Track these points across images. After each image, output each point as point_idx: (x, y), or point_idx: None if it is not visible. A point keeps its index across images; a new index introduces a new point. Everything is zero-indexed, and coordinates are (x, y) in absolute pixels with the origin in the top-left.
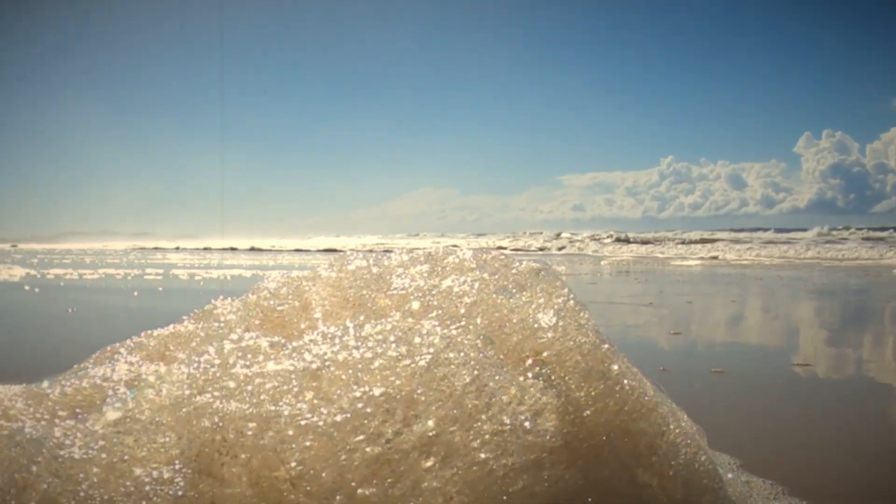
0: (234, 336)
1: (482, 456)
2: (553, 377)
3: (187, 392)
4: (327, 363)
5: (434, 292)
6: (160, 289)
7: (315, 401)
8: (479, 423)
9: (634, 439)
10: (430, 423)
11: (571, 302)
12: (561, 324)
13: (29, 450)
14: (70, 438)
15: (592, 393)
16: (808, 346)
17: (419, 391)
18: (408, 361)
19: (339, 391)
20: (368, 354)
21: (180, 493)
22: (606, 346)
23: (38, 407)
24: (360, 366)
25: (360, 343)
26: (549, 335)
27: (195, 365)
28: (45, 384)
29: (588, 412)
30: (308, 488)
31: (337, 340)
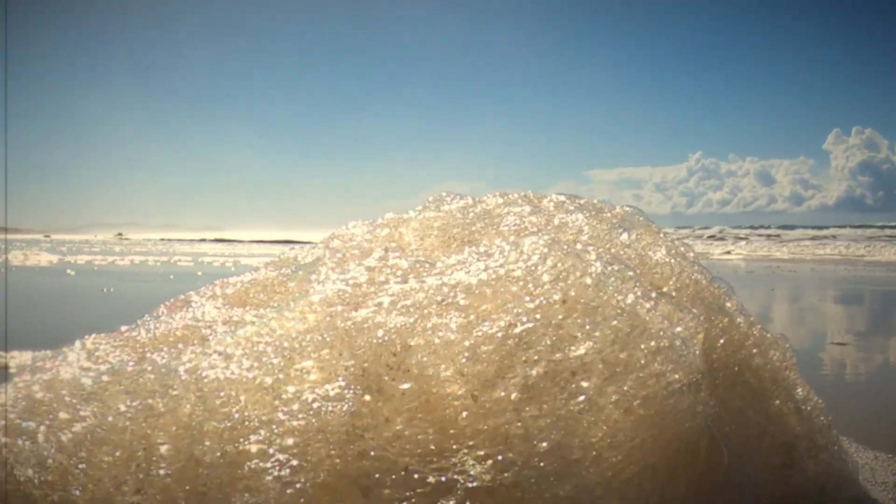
0: (376, 255)
1: (656, 367)
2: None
3: (340, 308)
4: (491, 277)
5: (549, 228)
6: (199, 273)
7: (486, 312)
8: (645, 341)
9: (759, 373)
10: (598, 334)
11: (675, 241)
12: (673, 261)
13: (161, 376)
14: (203, 363)
15: (719, 326)
16: None
17: (594, 302)
18: (578, 274)
19: (511, 302)
20: (539, 268)
21: (353, 408)
22: (717, 283)
23: (124, 348)
24: (529, 278)
25: (518, 259)
26: (666, 270)
27: (343, 282)
28: (124, 328)
29: (720, 342)
30: (486, 404)
31: (491, 260)
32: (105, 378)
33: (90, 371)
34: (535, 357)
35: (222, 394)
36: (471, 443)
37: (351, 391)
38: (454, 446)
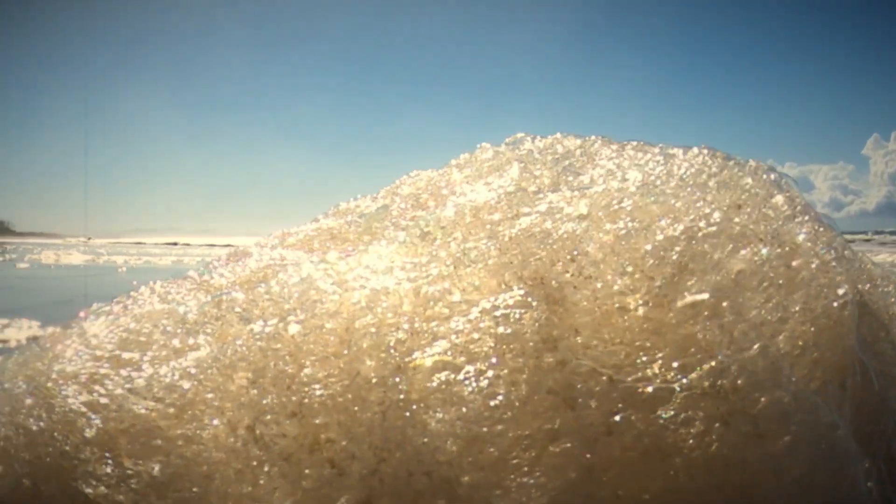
0: (514, 169)
1: (825, 280)
2: None
3: (498, 216)
4: (655, 183)
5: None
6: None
7: (654, 217)
8: (808, 256)
9: (884, 305)
10: (774, 242)
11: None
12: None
13: (286, 297)
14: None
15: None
16: None
17: (765, 209)
18: (746, 181)
19: (686, 207)
20: (704, 175)
21: (543, 316)
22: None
23: (199, 291)
24: (696, 184)
25: (681, 165)
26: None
27: (490, 190)
28: (192, 273)
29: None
30: (673, 311)
31: (648, 168)
32: (211, 308)
33: (182, 305)
34: (719, 261)
35: (384, 303)
36: (662, 352)
37: (533, 299)
38: (647, 356)
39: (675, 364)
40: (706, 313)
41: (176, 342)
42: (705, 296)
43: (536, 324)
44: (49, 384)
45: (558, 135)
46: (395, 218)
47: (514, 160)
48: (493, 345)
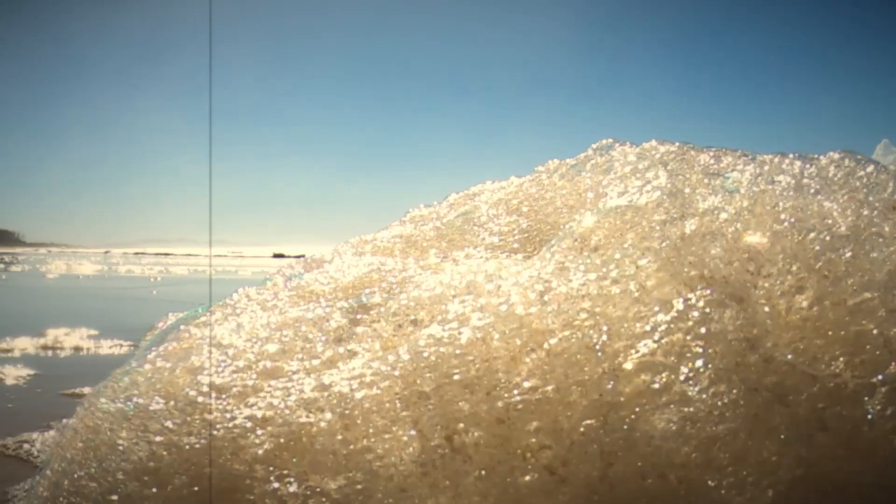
0: (663, 172)
1: None
2: None
3: (662, 218)
4: (813, 182)
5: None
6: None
7: (816, 215)
8: None
9: None
10: None
11: None
12: None
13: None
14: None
15: None
16: None
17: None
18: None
19: (849, 205)
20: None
21: (741, 316)
22: None
23: (299, 298)
24: (848, 183)
25: (828, 165)
26: None
27: (654, 192)
28: (278, 279)
29: None
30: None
31: (796, 169)
32: (355, 314)
33: (308, 312)
34: (881, 259)
35: (569, 305)
36: (842, 348)
37: (725, 297)
38: (830, 353)
39: (857, 360)
40: (880, 312)
41: (323, 349)
42: (875, 294)
43: (736, 322)
44: (200, 399)
45: (653, 142)
46: (483, 223)
47: (658, 164)
48: (700, 344)
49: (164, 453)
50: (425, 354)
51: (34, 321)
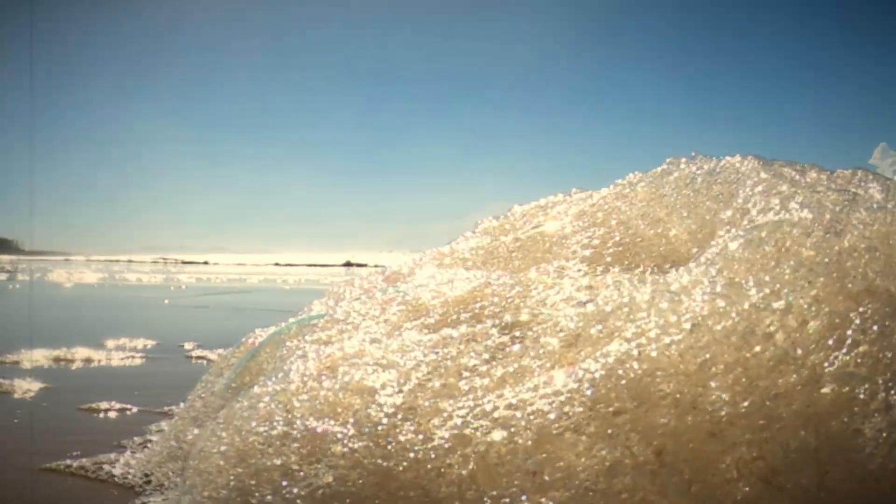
0: (784, 188)
1: None
2: None
3: (820, 232)
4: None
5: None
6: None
7: None
8: None
9: None
10: None
11: None
12: None
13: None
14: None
15: None
16: None
17: None
18: None
19: None
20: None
21: None
22: None
23: (408, 311)
24: None
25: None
26: None
27: (808, 209)
28: (376, 294)
29: None
30: None
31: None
32: (506, 330)
33: (451, 329)
34: None
35: (754, 316)
36: None
37: (893, 311)
38: None
39: None
40: None
41: (487, 367)
42: None
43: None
44: (385, 419)
45: (737, 157)
46: (568, 235)
47: (785, 184)
48: (889, 356)
49: (356, 477)
50: (620, 371)
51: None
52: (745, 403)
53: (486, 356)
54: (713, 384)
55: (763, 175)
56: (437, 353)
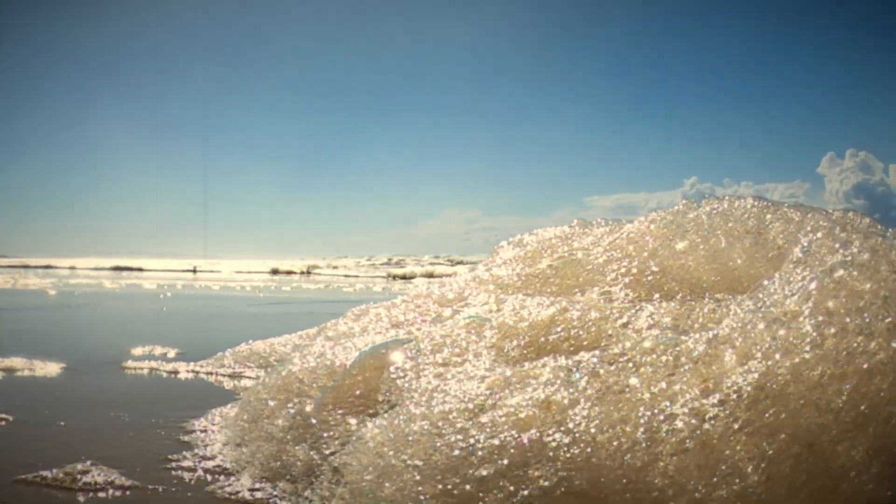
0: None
1: None
2: None
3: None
4: None
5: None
6: None
7: None
8: None
9: None
10: None
11: None
12: None
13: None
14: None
15: None
16: None
17: None
18: None
19: None
20: None
21: None
22: None
23: (499, 334)
24: None
25: None
26: None
27: None
28: (445, 312)
29: None
30: None
31: None
32: (665, 344)
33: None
34: None
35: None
36: None
37: None
38: None
39: None
40: None
41: (637, 381)
42: None
43: None
44: (567, 425)
45: (750, 200)
46: (602, 264)
47: (841, 230)
48: None
49: (573, 479)
50: (767, 384)
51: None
52: (863, 407)
53: (635, 373)
54: (831, 391)
55: (822, 223)
56: (580, 371)
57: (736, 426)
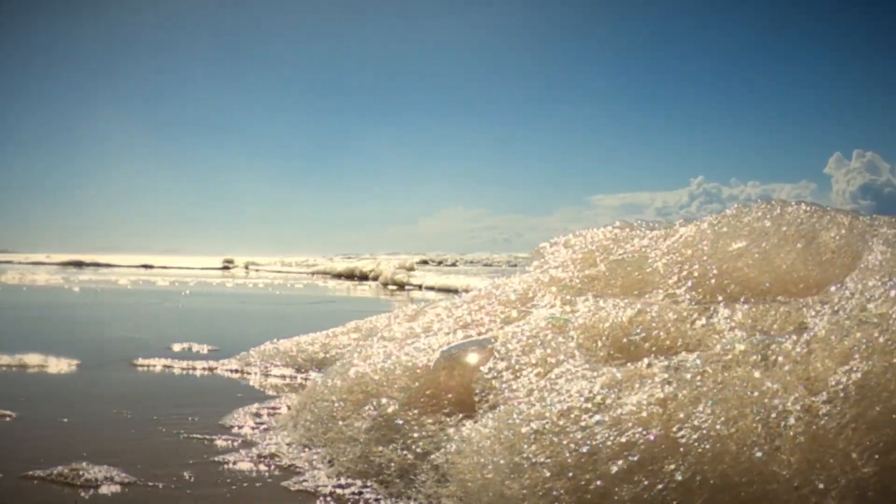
0: None
1: None
2: None
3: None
4: None
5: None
6: None
7: None
8: None
9: None
10: None
11: None
12: None
13: None
14: None
15: None
16: None
17: None
18: None
19: None
20: None
21: None
22: None
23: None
24: None
25: None
26: None
27: None
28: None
29: None
30: None
31: None
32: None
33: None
34: None
35: None
36: None
37: None
38: None
39: None
40: None
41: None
42: None
43: None
44: (692, 422)
45: (801, 205)
46: (659, 269)
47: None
48: None
49: (706, 472)
50: (873, 381)
51: None
52: None
53: (737, 372)
54: None
55: (887, 230)
56: (689, 371)
57: (844, 421)
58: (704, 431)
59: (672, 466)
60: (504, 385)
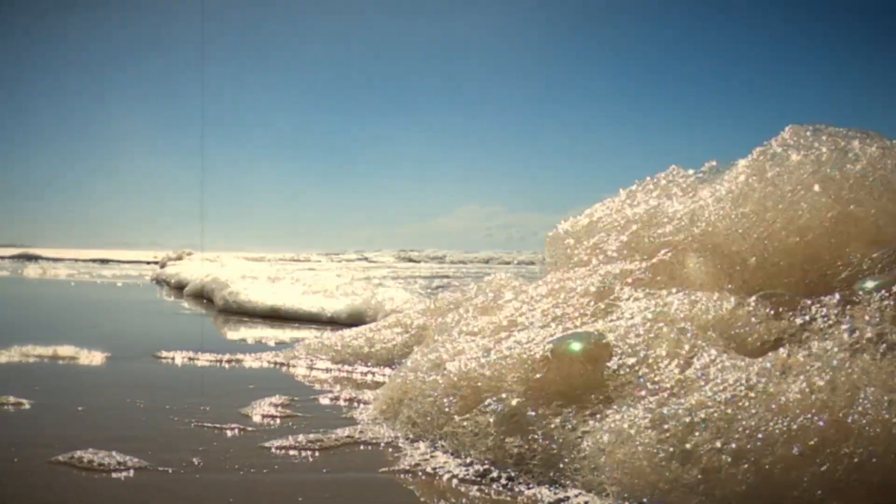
0: None
1: None
2: None
3: None
4: None
5: None
6: None
7: None
8: None
9: None
10: None
11: None
12: None
13: None
14: None
15: None
16: None
17: None
18: None
19: None
20: None
21: None
22: None
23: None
24: None
25: None
26: None
27: None
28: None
29: None
30: None
31: None
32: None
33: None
34: None
35: None
36: None
37: None
38: None
39: None
40: None
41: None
42: None
43: None
44: (806, 415)
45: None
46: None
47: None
48: None
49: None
50: None
51: None
52: None
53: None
54: None
55: None
56: (834, 358)
57: None
58: (872, 416)
59: (848, 450)
60: (642, 378)
